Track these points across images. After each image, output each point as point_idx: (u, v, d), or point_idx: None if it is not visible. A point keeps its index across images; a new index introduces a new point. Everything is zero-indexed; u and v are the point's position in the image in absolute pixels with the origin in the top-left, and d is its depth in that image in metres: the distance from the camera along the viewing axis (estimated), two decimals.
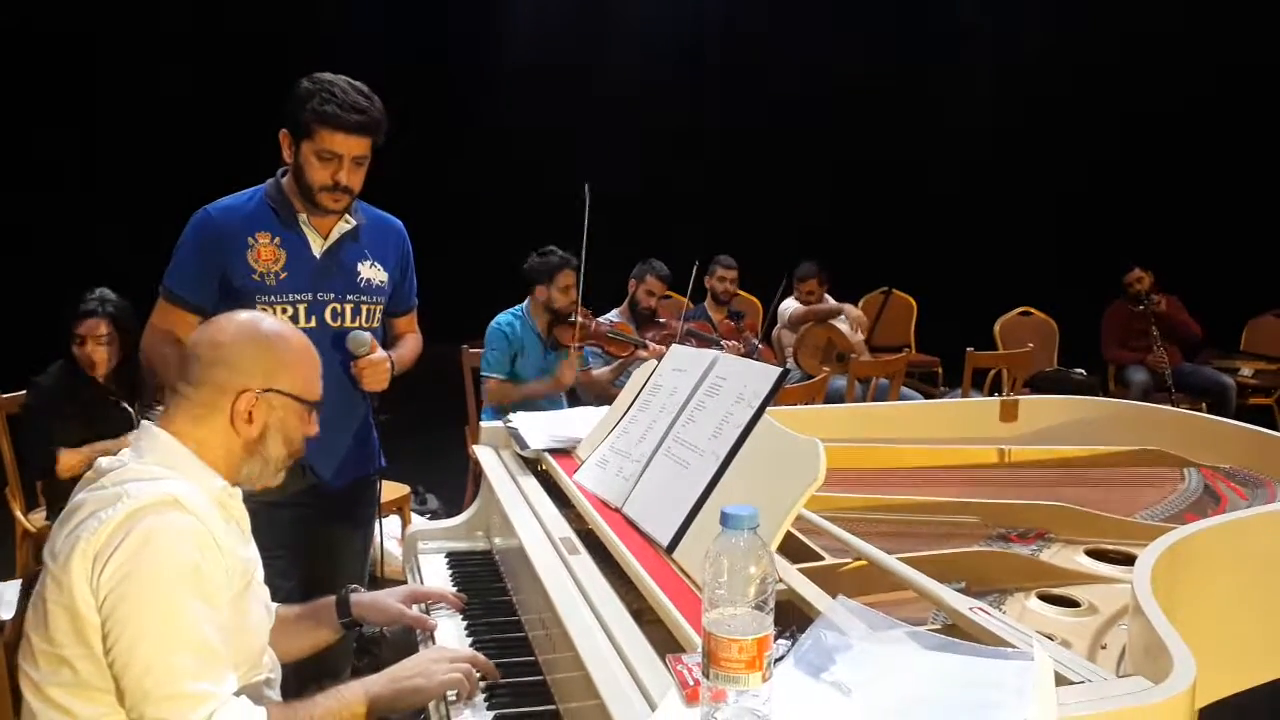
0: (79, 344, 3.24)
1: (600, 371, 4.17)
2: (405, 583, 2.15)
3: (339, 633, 1.72)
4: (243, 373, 1.43)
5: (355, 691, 1.39)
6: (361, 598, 1.70)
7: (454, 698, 1.46)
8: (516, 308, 4.13)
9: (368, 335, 2.19)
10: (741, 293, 5.53)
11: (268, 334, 1.48)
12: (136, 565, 1.23)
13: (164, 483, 1.32)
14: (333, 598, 1.71)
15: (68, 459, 3.12)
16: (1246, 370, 6.04)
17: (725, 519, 0.98)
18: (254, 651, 1.46)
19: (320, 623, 1.69)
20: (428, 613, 1.77)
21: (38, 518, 3.40)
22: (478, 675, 1.48)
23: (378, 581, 3.31)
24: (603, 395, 4.11)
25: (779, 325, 5.50)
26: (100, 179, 6.34)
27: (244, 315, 1.52)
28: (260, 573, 1.54)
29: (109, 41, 6.26)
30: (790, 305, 5.55)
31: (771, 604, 0.97)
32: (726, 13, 7.89)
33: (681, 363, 1.90)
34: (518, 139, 7.70)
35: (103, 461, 1.39)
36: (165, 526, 1.26)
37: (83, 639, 1.26)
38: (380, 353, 2.22)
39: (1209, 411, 5.51)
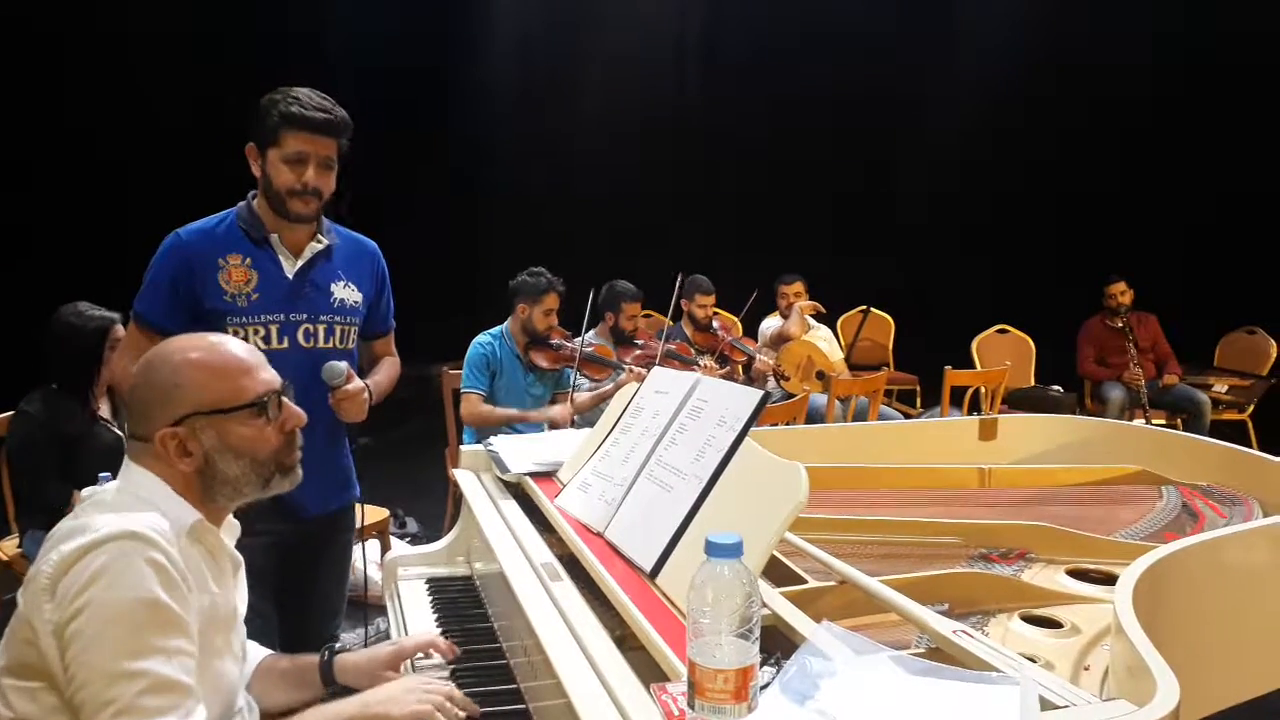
0: (112, 349, 3.16)
1: (580, 397, 4.17)
2: (385, 608, 2.14)
3: (323, 694, 1.64)
4: (153, 415, 1.37)
5: (324, 715, 1.38)
6: (345, 662, 1.62)
7: None
8: (496, 329, 4.14)
9: (343, 365, 2.16)
10: (721, 312, 5.54)
11: (158, 365, 1.39)
12: (89, 599, 1.20)
13: (129, 515, 1.29)
14: (316, 659, 1.64)
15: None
16: (1220, 386, 6.10)
17: (710, 548, 0.97)
18: (225, 690, 1.42)
19: (304, 683, 1.62)
20: (414, 667, 1.69)
21: (10, 545, 3.35)
22: (462, 715, 1.45)
23: (359, 606, 3.29)
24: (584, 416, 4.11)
25: (758, 345, 5.51)
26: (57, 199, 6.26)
27: (149, 352, 1.44)
28: (243, 606, 1.50)
29: (81, 51, 6.21)
30: (770, 325, 5.57)
31: (757, 633, 0.96)
32: (705, 47, 7.96)
33: (663, 385, 1.90)
34: (499, 160, 7.74)
35: (84, 491, 1.38)
36: (121, 559, 1.22)
37: (45, 673, 1.23)
38: (357, 382, 2.19)
39: (1184, 428, 5.57)
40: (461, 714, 1.44)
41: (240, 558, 1.52)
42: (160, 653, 1.22)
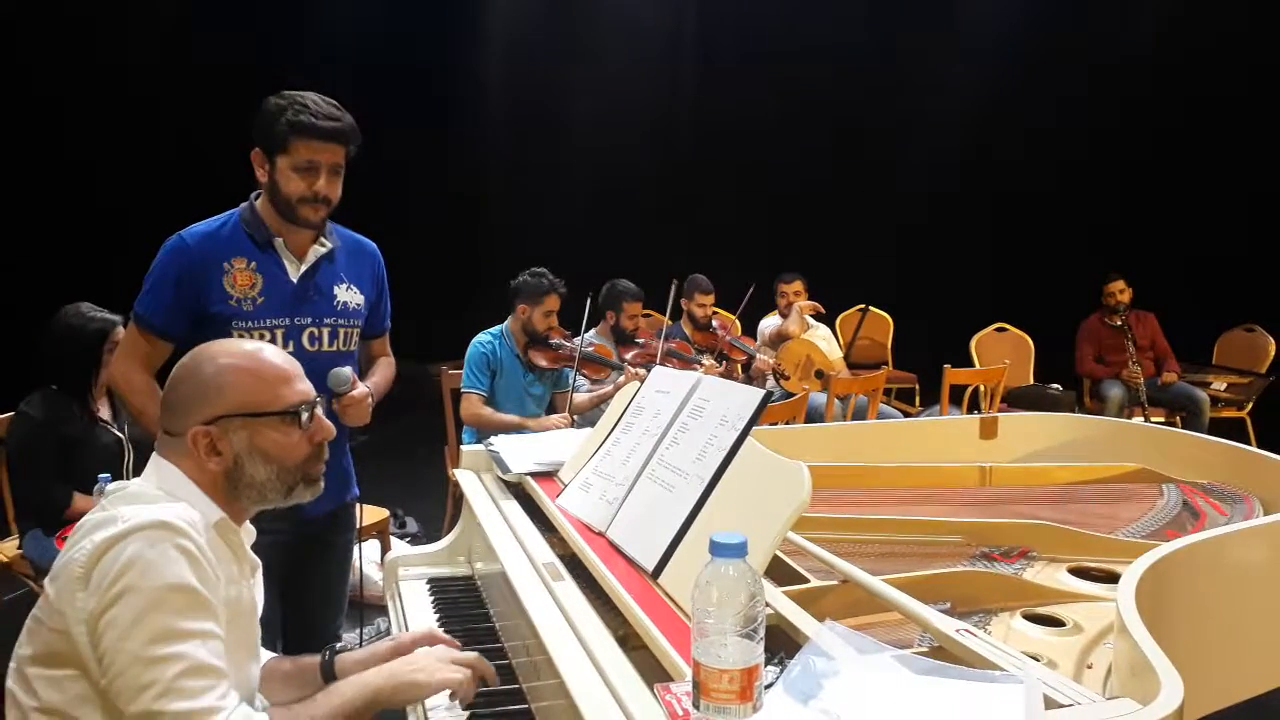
0: (111, 351, 3.14)
1: (580, 398, 4.16)
2: (386, 608, 2.13)
3: None
4: (187, 412, 1.40)
5: (356, 687, 1.39)
6: (346, 661, 1.63)
7: (450, 699, 1.45)
8: (496, 328, 4.14)
9: (348, 372, 2.16)
10: (720, 311, 5.53)
11: (204, 362, 1.43)
12: (125, 587, 1.22)
13: (158, 506, 1.31)
14: (317, 659, 1.64)
15: (82, 503, 3.05)
16: (1219, 384, 6.11)
17: (714, 547, 0.97)
18: (247, 683, 1.43)
19: (306, 684, 1.61)
20: None
21: (10, 546, 3.35)
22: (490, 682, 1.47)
23: (356, 606, 3.30)
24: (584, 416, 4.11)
25: (758, 344, 5.51)
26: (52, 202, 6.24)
27: (193, 351, 1.47)
28: (259, 608, 1.52)
29: (76, 55, 6.20)
30: (769, 324, 5.57)
31: (761, 633, 0.96)
32: (703, 46, 7.97)
33: (664, 384, 1.90)
34: (497, 158, 7.74)
35: (110, 485, 1.40)
36: (153, 548, 1.25)
37: (76, 661, 1.25)
38: (361, 388, 2.19)
39: (1183, 425, 5.57)
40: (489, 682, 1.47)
41: (258, 561, 1.54)
42: (196, 636, 1.24)
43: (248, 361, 1.44)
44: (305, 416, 1.45)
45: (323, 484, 1.52)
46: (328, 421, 1.50)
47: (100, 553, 1.24)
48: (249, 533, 1.52)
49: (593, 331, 4.54)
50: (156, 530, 1.26)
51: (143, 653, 1.21)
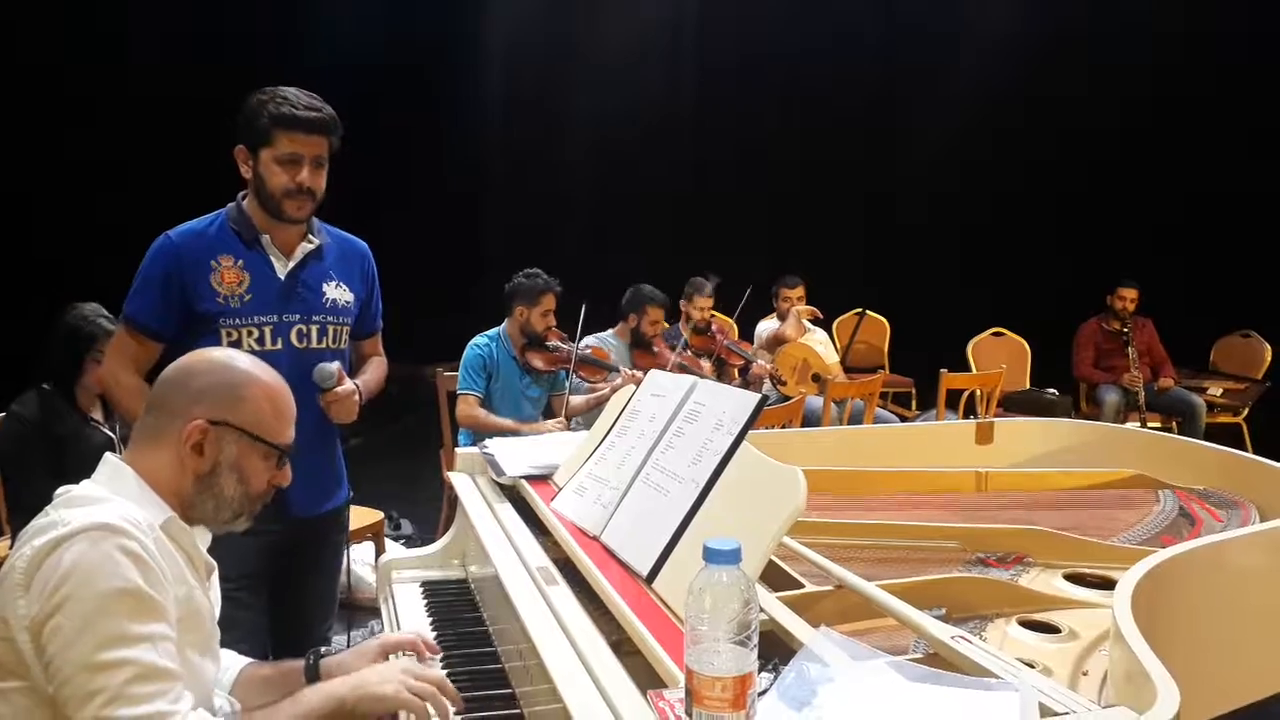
0: (98, 361, 3.12)
1: (574, 400, 4.16)
2: (378, 610, 2.12)
3: None
4: (198, 401, 1.41)
5: (320, 696, 1.39)
6: (331, 664, 1.62)
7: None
8: (493, 330, 4.13)
9: (334, 367, 2.16)
10: (717, 314, 5.53)
11: (235, 368, 1.46)
12: (67, 594, 1.21)
13: (100, 508, 1.29)
14: (301, 663, 1.63)
15: None
16: (1215, 390, 6.12)
17: (708, 554, 0.96)
18: (202, 683, 1.42)
19: (289, 688, 1.58)
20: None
21: (4, 545, 3.33)
22: (449, 707, 1.45)
23: (348, 607, 3.29)
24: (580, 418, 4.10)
25: (755, 347, 5.51)
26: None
27: (223, 349, 1.53)
28: (216, 610, 1.50)
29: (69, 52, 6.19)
30: (766, 327, 5.56)
31: (755, 640, 0.95)
32: (702, 46, 7.96)
33: (660, 388, 1.89)
34: (495, 160, 7.73)
35: (58, 490, 1.38)
36: (95, 551, 1.23)
37: (20, 671, 1.23)
38: (348, 384, 2.19)
39: (1179, 430, 5.58)
40: (450, 706, 1.44)
41: (214, 563, 1.53)
42: (144, 640, 1.22)
43: (275, 390, 1.49)
44: (282, 460, 1.50)
45: (246, 523, 1.53)
46: (289, 474, 1.53)
47: (41, 558, 1.23)
48: (202, 534, 1.51)
49: (610, 332, 4.56)
50: (98, 533, 1.24)
51: (90, 659, 1.19)
